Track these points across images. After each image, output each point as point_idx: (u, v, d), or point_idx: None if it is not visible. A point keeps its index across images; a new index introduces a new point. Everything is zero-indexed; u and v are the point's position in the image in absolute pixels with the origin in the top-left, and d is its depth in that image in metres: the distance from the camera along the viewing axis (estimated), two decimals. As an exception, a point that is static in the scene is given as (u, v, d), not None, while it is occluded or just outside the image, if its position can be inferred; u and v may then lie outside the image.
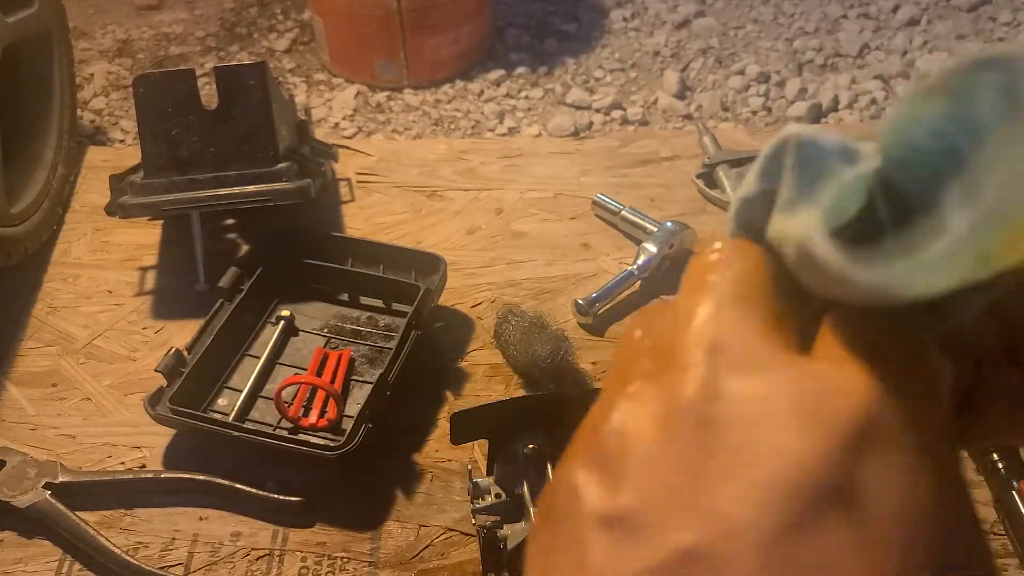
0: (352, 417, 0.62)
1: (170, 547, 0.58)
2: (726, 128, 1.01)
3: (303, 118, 0.88)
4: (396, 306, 0.73)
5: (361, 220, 0.83)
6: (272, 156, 0.75)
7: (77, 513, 0.59)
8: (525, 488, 0.52)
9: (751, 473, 0.20)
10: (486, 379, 0.68)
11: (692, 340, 0.22)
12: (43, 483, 0.60)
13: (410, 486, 0.61)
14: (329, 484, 0.61)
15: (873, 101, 1.08)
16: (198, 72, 0.77)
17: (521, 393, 0.67)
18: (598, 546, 0.20)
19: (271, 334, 0.70)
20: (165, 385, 0.64)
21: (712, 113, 1.08)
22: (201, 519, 0.60)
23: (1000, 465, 0.60)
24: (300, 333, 0.72)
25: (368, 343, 0.71)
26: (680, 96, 1.10)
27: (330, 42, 1.12)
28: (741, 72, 1.13)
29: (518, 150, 0.91)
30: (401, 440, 0.64)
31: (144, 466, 0.63)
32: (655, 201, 0.84)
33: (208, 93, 0.76)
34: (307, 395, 0.66)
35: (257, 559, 0.58)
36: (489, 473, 0.55)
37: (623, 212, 0.80)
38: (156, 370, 0.64)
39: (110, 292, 0.77)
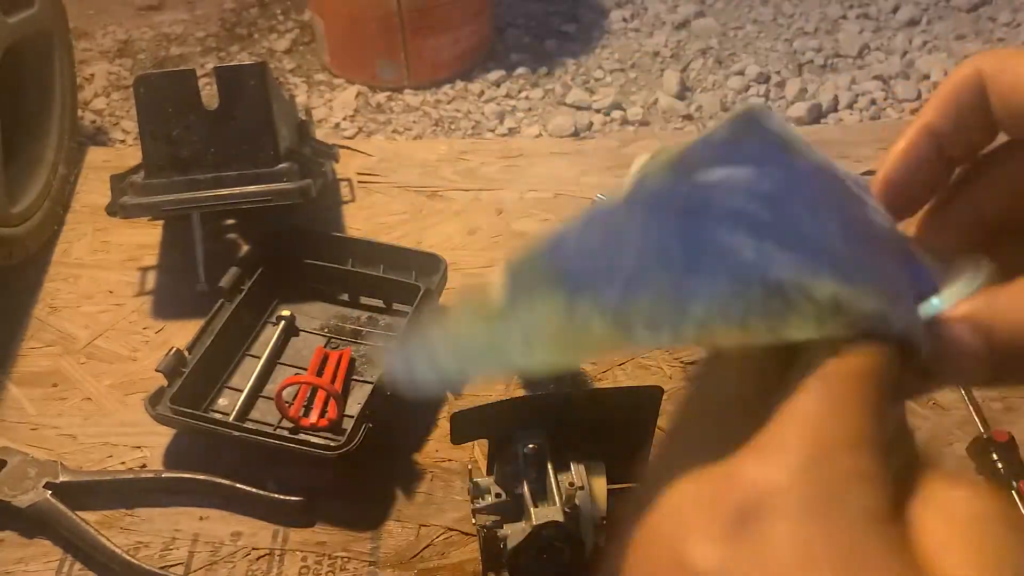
0: (352, 417, 0.62)
1: (171, 547, 0.58)
2: (726, 128, 1.01)
3: (304, 118, 0.88)
4: (396, 306, 0.73)
5: (361, 220, 0.83)
6: (273, 156, 0.75)
7: (78, 513, 0.59)
8: (525, 488, 0.52)
9: None
10: (486, 379, 0.68)
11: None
12: (44, 483, 0.60)
13: (410, 486, 0.61)
14: (329, 484, 0.61)
15: (873, 101, 1.08)
16: (199, 72, 0.77)
17: (521, 393, 0.67)
18: None
19: (271, 334, 0.71)
20: (166, 385, 0.64)
21: (712, 114, 1.08)
22: (202, 519, 0.60)
23: (1000, 465, 0.60)
24: (300, 333, 0.72)
25: (368, 343, 0.71)
26: (680, 96, 1.10)
27: (330, 42, 1.12)
28: (741, 72, 1.13)
29: (518, 150, 0.92)
30: (401, 440, 0.64)
31: (145, 466, 0.63)
32: (655, 201, 0.84)
33: (209, 93, 0.76)
34: (307, 395, 0.66)
35: (257, 559, 0.58)
36: (489, 473, 0.55)
37: (623, 212, 0.80)
38: (157, 370, 0.64)
39: (111, 292, 0.77)
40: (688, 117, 1.07)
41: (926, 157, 0.27)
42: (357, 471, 0.61)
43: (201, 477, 0.61)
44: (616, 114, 1.08)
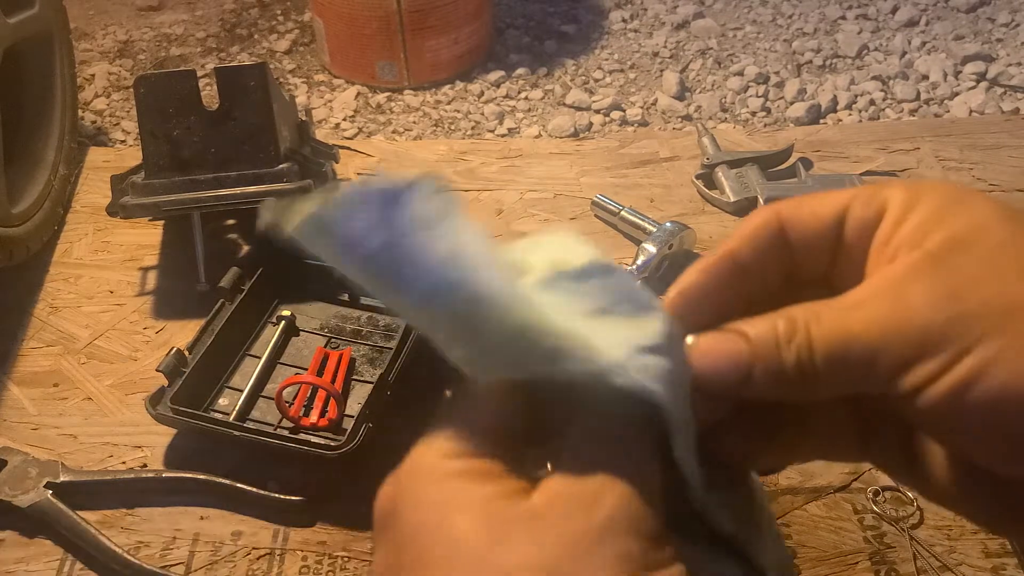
0: (353, 417, 0.62)
1: (171, 546, 0.58)
2: (725, 129, 1.01)
3: (304, 119, 0.88)
4: (396, 306, 0.73)
5: (361, 220, 0.83)
6: (273, 157, 0.75)
7: (78, 512, 0.59)
8: (525, 487, 0.52)
9: None
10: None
11: None
12: (44, 483, 0.60)
13: (410, 485, 0.61)
14: (330, 483, 0.61)
15: (872, 102, 1.09)
16: (199, 73, 0.77)
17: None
18: None
19: (272, 334, 0.71)
20: (166, 385, 0.64)
21: (711, 114, 1.08)
22: (202, 518, 0.60)
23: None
24: (301, 333, 0.72)
25: (368, 343, 0.71)
26: (679, 97, 1.10)
27: (330, 43, 1.12)
28: (740, 73, 1.14)
29: (518, 151, 0.92)
30: (401, 440, 0.64)
31: (145, 466, 0.63)
32: (654, 201, 0.84)
33: (209, 94, 0.76)
34: (308, 395, 0.67)
35: (258, 558, 0.58)
36: (489, 472, 0.55)
37: (622, 212, 0.80)
38: (157, 370, 0.64)
39: (111, 292, 0.77)
40: (687, 117, 1.08)
41: (725, 281, 0.30)
42: (357, 471, 0.61)
43: (201, 477, 0.61)
44: (615, 114, 1.08)
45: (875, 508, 0.59)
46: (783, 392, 0.28)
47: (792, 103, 1.09)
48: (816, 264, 0.30)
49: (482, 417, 0.29)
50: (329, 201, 0.27)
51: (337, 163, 0.87)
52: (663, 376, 0.27)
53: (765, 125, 1.06)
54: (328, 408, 0.65)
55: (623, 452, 0.27)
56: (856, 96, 1.10)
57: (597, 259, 0.29)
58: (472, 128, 1.07)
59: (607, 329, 0.27)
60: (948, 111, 1.07)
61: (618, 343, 0.27)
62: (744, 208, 0.83)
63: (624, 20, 1.25)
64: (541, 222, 0.83)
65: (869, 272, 0.29)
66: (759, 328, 0.28)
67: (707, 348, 0.28)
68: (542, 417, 0.29)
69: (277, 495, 0.60)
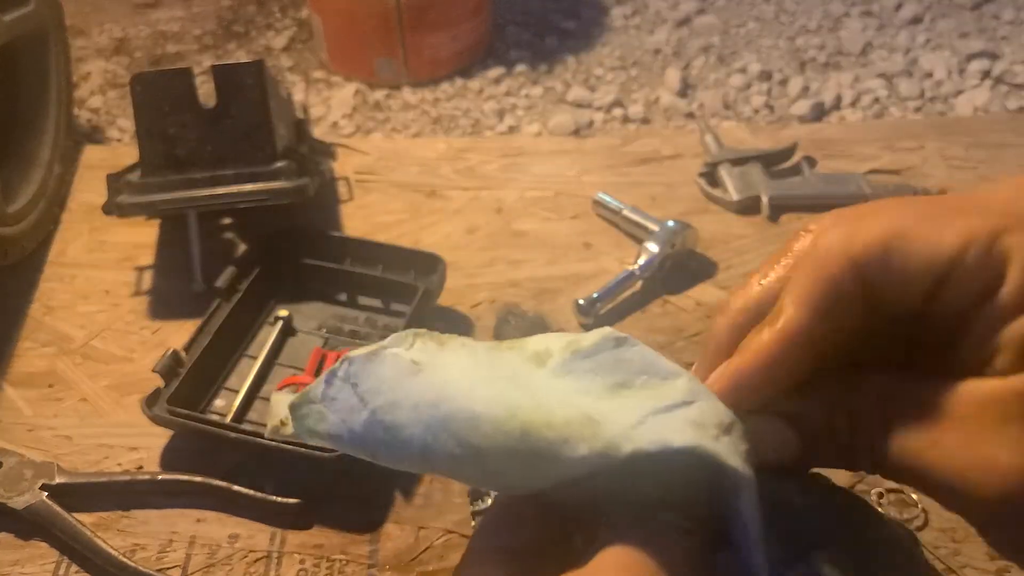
0: (351, 418, 0.61)
1: (167, 549, 0.58)
2: (728, 126, 1.00)
3: (301, 117, 0.88)
4: (395, 306, 0.72)
5: (359, 219, 0.82)
6: (270, 155, 0.75)
7: (74, 515, 0.58)
8: (525, 490, 0.51)
9: None
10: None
11: None
12: (40, 484, 0.60)
13: (409, 488, 0.61)
14: (327, 486, 0.60)
15: (876, 100, 1.08)
16: (196, 71, 0.76)
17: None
18: None
19: (269, 334, 0.70)
20: (162, 386, 0.63)
21: (714, 111, 1.07)
22: (198, 521, 0.59)
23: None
24: (298, 333, 0.71)
25: (366, 343, 0.70)
26: (682, 94, 1.10)
27: (328, 40, 1.12)
28: (743, 70, 1.13)
29: (518, 149, 0.91)
30: (400, 441, 0.64)
31: (141, 467, 0.63)
32: (657, 200, 0.84)
33: (206, 92, 0.75)
34: (305, 396, 0.66)
35: (255, 561, 0.57)
36: (489, 475, 0.54)
37: (624, 211, 0.80)
38: (153, 371, 0.63)
39: (107, 292, 0.76)
40: (690, 115, 1.07)
41: (792, 359, 0.26)
42: (355, 473, 0.61)
43: (198, 479, 0.60)
44: (617, 112, 1.07)
45: (880, 510, 0.58)
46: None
47: (796, 100, 1.08)
48: (908, 301, 0.26)
49: (507, 537, 0.27)
50: (306, 400, 0.28)
51: (335, 161, 0.86)
52: (688, 426, 0.25)
53: (769, 122, 1.05)
54: (326, 409, 0.65)
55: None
56: (860, 94, 1.09)
57: (608, 332, 0.29)
58: (472, 126, 1.06)
59: (623, 403, 0.26)
60: (952, 109, 1.06)
61: (629, 412, 0.26)
62: (748, 207, 0.82)
63: (626, 16, 1.24)
64: (541, 221, 0.82)
65: (974, 343, 0.25)
66: (813, 421, 0.26)
67: (755, 433, 0.26)
68: (571, 531, 0.28)
69: (274, 497, 0.59)
